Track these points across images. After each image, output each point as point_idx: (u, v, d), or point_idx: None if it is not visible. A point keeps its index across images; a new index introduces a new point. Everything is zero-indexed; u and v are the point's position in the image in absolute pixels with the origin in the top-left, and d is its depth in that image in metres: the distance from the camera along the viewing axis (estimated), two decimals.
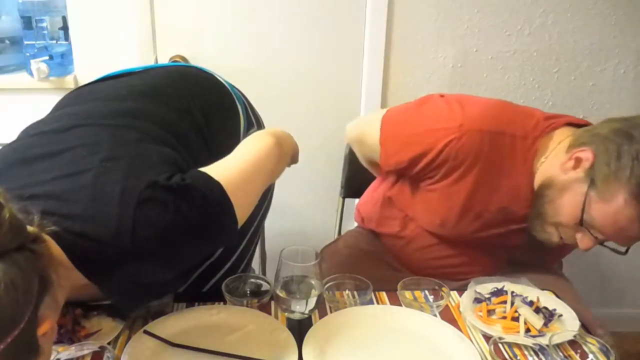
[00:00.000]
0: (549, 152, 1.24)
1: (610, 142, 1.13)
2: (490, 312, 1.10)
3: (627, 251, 1.21)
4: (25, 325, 0.70)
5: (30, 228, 0.76)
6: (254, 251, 1.33)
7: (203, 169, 0.96)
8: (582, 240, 1.19)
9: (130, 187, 0.88)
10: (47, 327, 0.75)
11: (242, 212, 0.97)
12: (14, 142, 1.04)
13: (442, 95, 1.36)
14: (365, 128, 1.42)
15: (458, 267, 1.38)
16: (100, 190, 0.88)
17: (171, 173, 0.92)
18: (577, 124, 1.29)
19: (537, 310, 1.09)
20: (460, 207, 1.28)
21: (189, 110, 1.15)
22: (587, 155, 1.15)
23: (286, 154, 1.19)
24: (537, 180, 1.25)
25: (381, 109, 1.43)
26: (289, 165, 1.38)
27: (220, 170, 0.97)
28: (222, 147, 1.08)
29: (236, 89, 1.36)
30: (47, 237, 0.81)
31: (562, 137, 1.24)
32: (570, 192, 1.17)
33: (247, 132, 1.31)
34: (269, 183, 1.15)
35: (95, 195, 0.88)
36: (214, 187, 0.93)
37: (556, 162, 1.21)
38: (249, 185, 1.01)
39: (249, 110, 1.36)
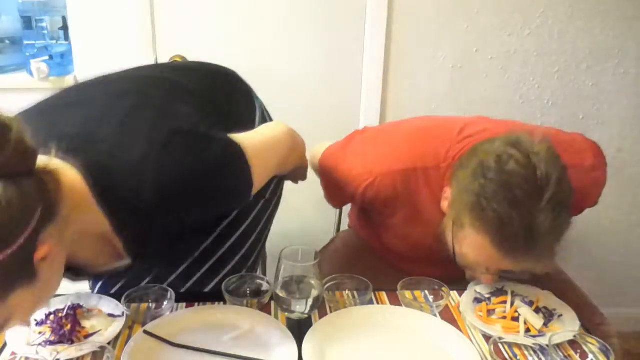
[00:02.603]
0: None
1: (454, 175, 1.13)
2: (490, 312, 1.10)
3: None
4: (20, 246, 0.72)
5: (43, 160, 0.79)
6: (257, 257, 1.32)
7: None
8: (483, 277, 1.14)
9: (158, 127, 0.93)
10: (45, 251, 0.76)
11: (256, 177, 1.01)
12: (46, 98, 1.08)
13: (363, 132, 1.38)
14: (312, 163, 1.44)
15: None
16: (128, 128, 0.93)
17: (196, 122, 0.99)
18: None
19: (537, 310, 1.10)
20: (409, 239, 1.29)
21: (217, 99, 1.19)
22: (447, 193, 1.15)
23: (298, 146, 1.25)
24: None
25: (323, 143, 1.45)
26: (295, 182, 1.40)
27: (241, 136, 1.03)
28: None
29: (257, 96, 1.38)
30: (72, 174, 0.85)
31: None
32: (447, 230, 1.15)
33: None
34: (281, 167, 1.20)
35: (123, 132, 0.92)
36: (235, 145, 0.99)
37: None
38: (264, 157, 1.08)
39: (267, 117, 1.38)
